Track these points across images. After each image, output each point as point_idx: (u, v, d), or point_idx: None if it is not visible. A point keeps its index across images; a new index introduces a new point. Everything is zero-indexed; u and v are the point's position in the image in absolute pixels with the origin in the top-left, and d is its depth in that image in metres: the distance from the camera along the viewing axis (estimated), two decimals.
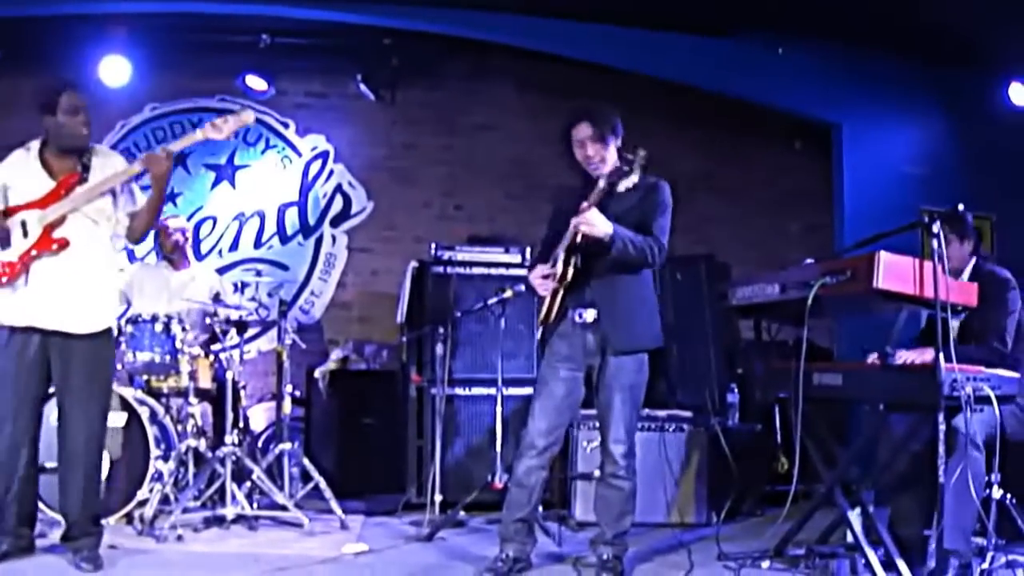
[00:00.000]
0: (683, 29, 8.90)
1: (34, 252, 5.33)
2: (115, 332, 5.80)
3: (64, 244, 5.34)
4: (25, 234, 5.35)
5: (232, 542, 6.28)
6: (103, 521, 5.76)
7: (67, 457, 5.45)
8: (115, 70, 8.94)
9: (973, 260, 5.91)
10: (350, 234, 10.23)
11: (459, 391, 7.66)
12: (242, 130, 9.80)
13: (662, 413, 7.34)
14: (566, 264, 5.31)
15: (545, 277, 5.39)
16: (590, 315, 5.39)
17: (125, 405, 6.67)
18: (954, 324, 5.80)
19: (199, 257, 9.43)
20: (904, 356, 5.33)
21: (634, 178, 5.28)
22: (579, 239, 5.25)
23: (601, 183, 5.26)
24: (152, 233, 8.86)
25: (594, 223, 5.17)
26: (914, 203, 8.41)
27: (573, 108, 5.55)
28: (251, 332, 8.06)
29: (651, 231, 5.38)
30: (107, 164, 5.53)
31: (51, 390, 5.52)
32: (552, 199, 5.85)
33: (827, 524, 5.85)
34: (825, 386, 5.43)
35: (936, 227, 4.90)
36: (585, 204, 5.21)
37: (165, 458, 6.79)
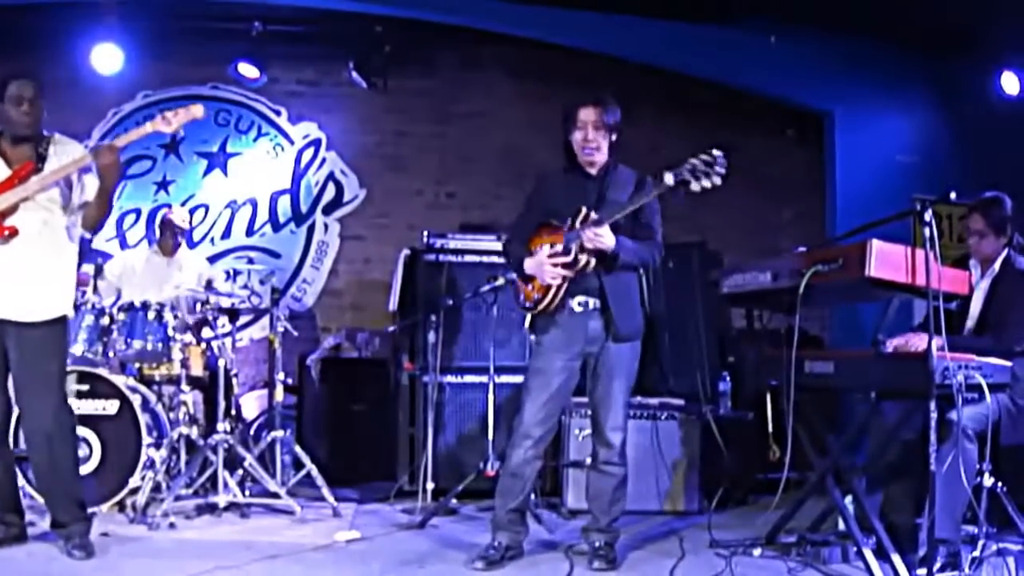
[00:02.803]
0: (675, 16, 8.88)
1: None
2: (72, 315, 5.72)
3: (14, 232, 5.28)
4: None
5: (224, 529, 6.29)
6: (95, 509, 5.76)
7: (32, 445, 5.44)
8: (107, 58, 8.91)
9: (1006, 251, 5.86)
10: (342, 222, 10.25)
11: (451, 379, 7.64)
12: (234, 118, 9.87)
13: (654, 401, 7.35)
14: (587, 256, 5.29)
15: (555, 265, 5.36)
16: (592, 302, 5.39)
17: (117, 393, 6.66)
18: (974, 311, 5.83)
19: (191, 244, 9.42)
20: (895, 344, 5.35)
21: (716, 180, 5.10)
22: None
23: (625, 210, 5.23)
24: (142, 222, 8.93)
25: (603, 240, 5.19)
26: (906, 191, 8.41)
27: (586, 92, 5.53)
28: (243, 320, 8.06)
29: (650, 232, 5.43)
30: (64, 152, 5.47)
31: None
32: (538, 180, 5.82)
33: (819, 512, 5.87)
34: (817, 374, 5.43)
35: (928, 215, 4.89)
36: (596, 217, 5.23)
37: (157, 446, 6.79)
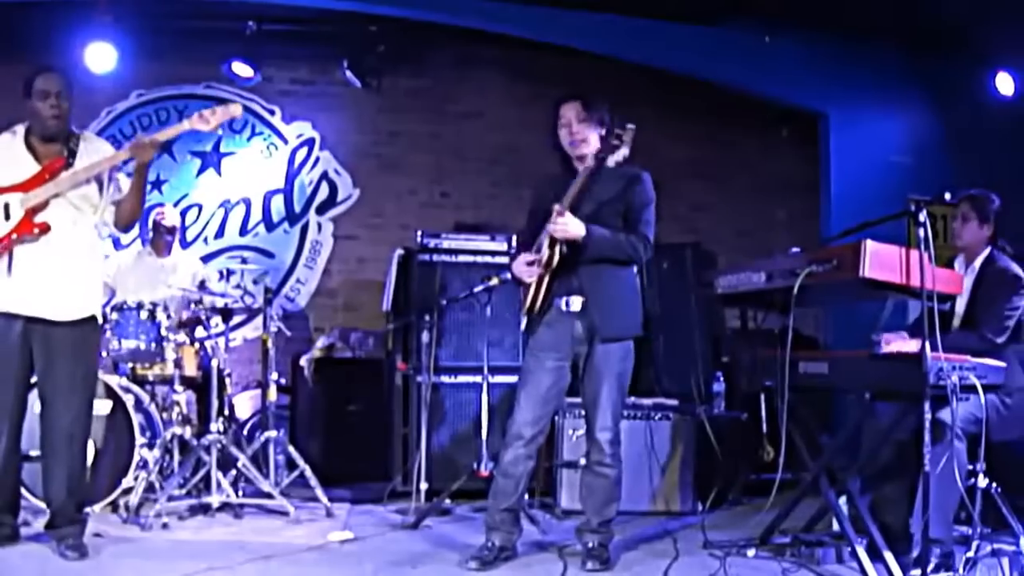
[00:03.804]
0: (671, 17, 8.88)
1: (15, 236, 5.27)
2: (100, 320, 5.74)
3: (45, 228, 5.28)
4: (7, 217, 5.30)
5: (217, 530, 6.28)
6: (88, 509, 5.75)
7: (50, 446, 5.41)
8: (101, 57, 8.88)
9: (988, 249, 5.87)
10: (336, 221, 10.24)
11: (445, 379, 7.65)
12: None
13: (648, 401, 7.35)
14: (551, 250, 5.31)
15: (530, 264, 5.40)
16: (577, 302, 5.38)
17: (110, 393, 6.66)
18: (959, 311, 5.83)
19: (184, 244, 9.41)
20: (889, 343, 5.36)
21: (624, 151, 5.26)
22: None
23: (577, 183, 5.29)
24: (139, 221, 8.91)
25: (567, 228, 5.23)
26: (901, 192, 8.32)
27: (565, 92, 5.59)
28: (236, 320, 8.04)
29: (636, 226, 5.42)
30: (93, 150, 5.48)
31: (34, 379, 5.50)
32: (534, 187, 5.87)
33: (813, 512, 5.87)
34: (811, 375, 5.43)
35: (923, 216, 4.89)
36: (558, 207, 5.26)
37: (150, 446, 6.79)
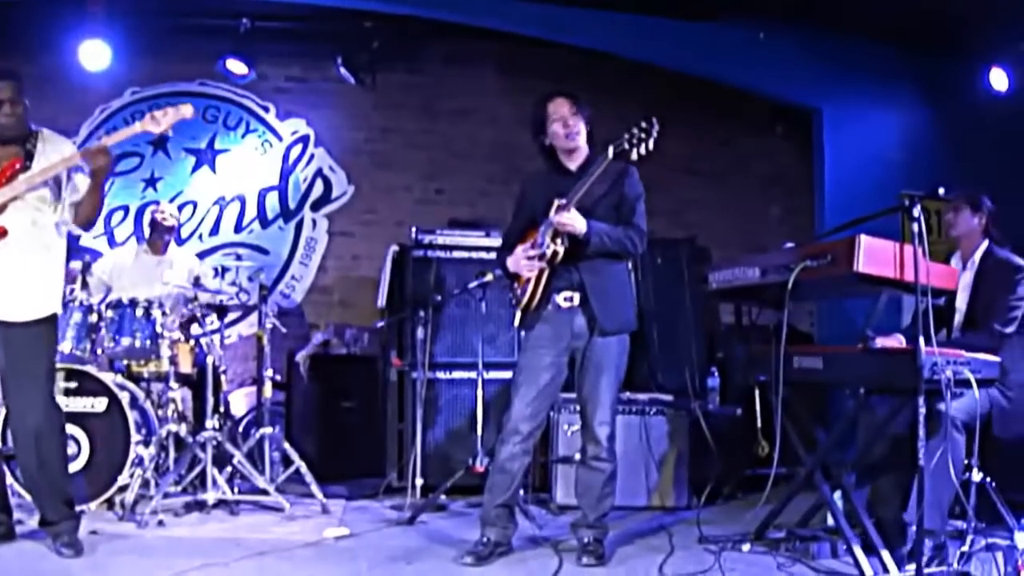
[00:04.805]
0: (665, 13, 8.88)
1: None
2: (58, 318, 5.68)
3: (3, 232, 5.26)
4: None
5: (213, 527, 6.28)
6: (84, 507, 5.74)
7: (20, 443, 5.42)
8: (95, 54, 8.86)
9: (986, 242, 5.89)
10: (331, 218, 10.24)
11: (440, 375, 7.66)
12: (222, 114, 9.84)
13: (643, 396, 7.36)
14: (555, 245, 5.31)
15: (530, 258, 5.40)
16: (577, 297, 5.41)
17: (105, 390, 6.65)
18: (961, 306, 5.84)
19: (179, 241, 9.38)
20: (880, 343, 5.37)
21: (650, 144, 5.16)
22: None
23: (586, 181, 5.25)
24: (130, 219, 8.90)
25: (572, 223, 5.25)
26: (894, 187, 8.41)
27: (548, 90, 5.62)
28: (232, 317, 8.03)
29: (631, 219, 5.46)
30: (53, 150, 5.42)
31: None
32: (521, 184, 5.89)
33: (808, 507, 5.88)
34: (805, 369, 5.43)
35: (916, 211, 4.89)
36: (561, 201, 5.27)
37: (146, 443, 6.79)
